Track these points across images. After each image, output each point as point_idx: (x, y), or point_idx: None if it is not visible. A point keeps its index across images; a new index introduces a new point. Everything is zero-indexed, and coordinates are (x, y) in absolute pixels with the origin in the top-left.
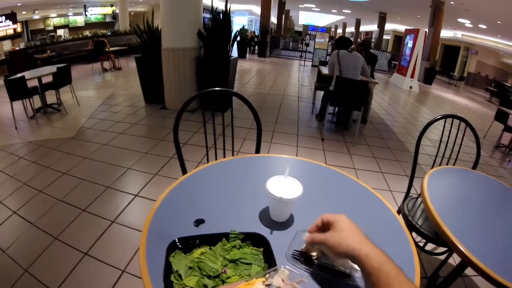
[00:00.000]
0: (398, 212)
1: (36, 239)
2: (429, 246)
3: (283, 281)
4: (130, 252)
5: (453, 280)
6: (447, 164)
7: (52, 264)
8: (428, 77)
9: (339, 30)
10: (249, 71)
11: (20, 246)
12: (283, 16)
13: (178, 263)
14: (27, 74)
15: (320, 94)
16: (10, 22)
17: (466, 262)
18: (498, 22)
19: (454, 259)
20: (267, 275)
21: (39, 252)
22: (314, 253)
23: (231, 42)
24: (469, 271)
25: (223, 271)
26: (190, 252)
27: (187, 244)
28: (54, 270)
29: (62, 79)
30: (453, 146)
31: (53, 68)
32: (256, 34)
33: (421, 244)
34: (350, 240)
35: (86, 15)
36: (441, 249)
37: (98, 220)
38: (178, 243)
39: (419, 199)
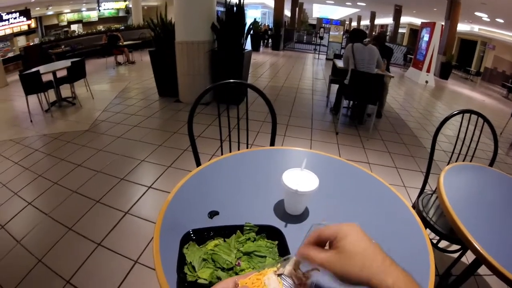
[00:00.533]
0: (413, 207)
1: (50, 229)
2: (442, 244)
3: (295, 270)
4: (143, 243)
5: (465, 279)
6: (463, 161)
7: (65, 254)
8: (444, 72)
9: (354, 23)
10: (263, 64)
11: (35, 236)
12: (297, 9)
13: (192, 255)
14: (42, 68)
15: (335, 87)
16: (24, 18)
17: (480, 260)
18: None
19: (467, 258)
20: (279, 265)
21: (53, 243)
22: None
23: (244, 35)
24: (482, 270)
25: (237, 264)
26: (204, 244)
27: (201, 236)
28: (68, 260)
29: (76, 73)
30: (470, 143)
31: (67, 63)
32: (270, 27)
33: (435, 241)
34: (361, 270)
35: (99, 10)
36: (454, 247)
37: (112, 211)
38: (192, 235)
39: (434, 196)
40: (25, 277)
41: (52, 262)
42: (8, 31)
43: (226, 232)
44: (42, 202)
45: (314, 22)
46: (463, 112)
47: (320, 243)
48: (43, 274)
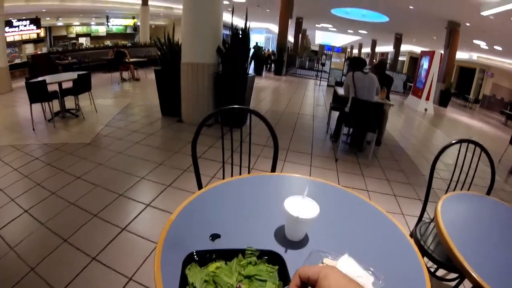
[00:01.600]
0: (410, 236)
1: (45, 239)
2: (440, 272)
3: None
4: (139, 261)
5: None
6: (461, 189)
7: (59, 265)
8: (443, 100)
9: (355, 50)
10: (265, 89)
11: (29, 244)
12: (300, 35)
13: (194, 276)
14: (48, 78)
15: (335, 114)
16: (34, 27)
17: None
18: None
19: (465, 286)
20: None
21: (47, 253)
22: None
23: (249, 60)
24: None
25: (238, 286)
26: (206, 266)
27: (203, 258)
28: (61, 271)
29: (82, 85)
30: (468, 171)
31: (74, 75)
32: (274, 52)
33: (432, 270)
34: (351, 283)
35: (108, 25)
36: (452, 276)
37: (109, 226)
38: (195, 256)
39: (432, 224)
40: (16, 284)
41: (45, 271)
42: (17, 38)
43: (228, 255)
44: (38, 211)
45: (317, 49)
46: (460, 141)
47: (302, 282)
48: (35, 283)
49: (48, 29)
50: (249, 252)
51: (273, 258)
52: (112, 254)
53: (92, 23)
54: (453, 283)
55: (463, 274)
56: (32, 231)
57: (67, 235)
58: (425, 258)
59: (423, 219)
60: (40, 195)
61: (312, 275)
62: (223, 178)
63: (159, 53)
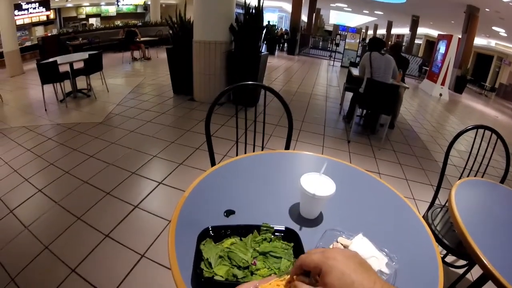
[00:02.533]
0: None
1: (59, 218)
2: (449, 259)
3: None
4: (151, 238)
5: None
6: (475, 176)
7: (72, 243)
8: (458, 86)
9: (370, 32)
10: (277, 68)
11: (43, 223)
12: (314, 14)
13: (209, 252)
14: (59, 59)
15: (349, 95)
16: (44, 9)
17: (487, 275)
18: None
19: (473, 274)
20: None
21: (61, 231)
22: None
23: (262, 39)
24: (487, 287)
25: (253, 263)
26: (221, 242)
27: (218, 233)
28: (74, 249)
29: (93, 65)
30: (482, 159)
31: (85, 55)
32: (287, 31)
33: (441, 255)
34: (357, 271)
35: (118, 5)
36: (461, 263)
37: (121, 204)
38: (210, 231)
39: (443, 210)
40: (31, 262)
41: (59, 249)
42: (27, 21)
43: (243, 231)
44: (52, 190)
45: (331, 29)
46: (477, 127)
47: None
48: (49, 261)
49: (58, 10)
50: (264, 228)
51: (288, 235)
52: (124, 232)
53: (102, 3)
54: (461, 270)
55: (473, 260)
56: (46, 210)
57: (80, 213)
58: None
59: (434, 204)
60: (53, 175)
61: (314, 268)
62: (237, 155)
63: (170, 31)
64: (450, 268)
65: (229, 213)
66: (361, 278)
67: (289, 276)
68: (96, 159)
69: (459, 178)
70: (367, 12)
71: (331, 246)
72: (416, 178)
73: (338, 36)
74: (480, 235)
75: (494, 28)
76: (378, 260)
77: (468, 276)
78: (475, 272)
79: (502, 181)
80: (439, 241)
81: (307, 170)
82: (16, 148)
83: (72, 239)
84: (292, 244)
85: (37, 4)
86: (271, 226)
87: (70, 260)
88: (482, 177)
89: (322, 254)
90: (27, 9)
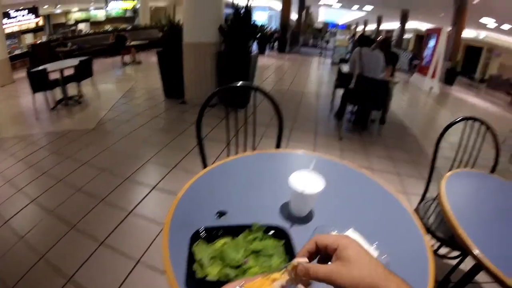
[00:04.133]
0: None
1: (53, 227)
2: (442, 250)
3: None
4: (146, 243)
5: (464, 285)
6: (465, 167)
7: (68, 251)
8: (449, 78)
9: (360, 28)
10: (268, 67)
11: (38, 233)
12: (303, 12)
13: (201, 252)
14: (49, 66)
15: (339, 92)
16: (33, 16)
17: (480, 266)
18: None
19: (466, 265)
20: (284, 270)
21: (56, 240)
22: None
23: (251, 39)
24: (481, 277)
25: (245, 262)
26: (213, 242)
27: (210, 234)
28: (70, 257)
29: (83, 72)
30: (472, 150)
31: (75, 61)
32: (277, 29)
33: (434, 248)
34: (369, 275)
35: (106, 10)
36: (454, 254)
37: (116, 210)
38: (203, 232)
39: (435, 203)
40: (27, 272)
41: (55, 259)
42: (16, 29)
43: (235, 231)
44: (46, 199)
45: (320, 26)
46: (466, 119)
47: (315, 254)
48: (45, 271)
49: (47, 17)
50: (255, 227)
51: (279, 233)
52: (119, 238)
53: (91, 8)
54: (455, 261)
55: (466, 251)
56: (41, 220)
57: (75, 221)
58: (428, 236)
59: (426, 197)
60: (47, 184)
61: (330, 244)
62: (228, 157)
63: (160, 35)
64: (444, 260)
65: (221, 214)
66: (375, 259)
67: (275, 273)
68: (89, 166)
69: (450, 170)
70: (357, 8)
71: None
72: (408, 172)
73: (328, 33)
74: (471, 226)
75: (483, 19)
76: None
77: (462, 266)
78: (469, 262)
79: (492, 171)
80: (431, 233)
81: (297, 168)
82: (8, 158)
83: (67, 248)
84: (283, 241)
85: (26, 11)
86: (262, 225)
87: (67, 269)
88: (472, 167)
89: (338, 235)
90: (16, 17)
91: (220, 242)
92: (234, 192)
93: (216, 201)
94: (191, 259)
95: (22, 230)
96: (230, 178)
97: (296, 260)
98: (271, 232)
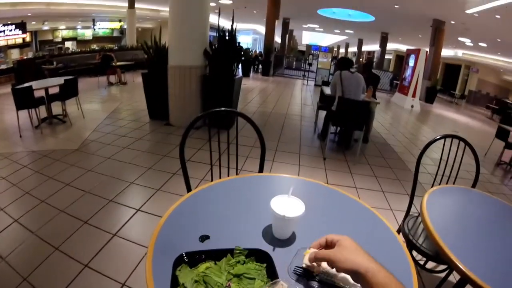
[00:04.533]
0: (398, 231)
1: (36, 248)
2: (430, 265)
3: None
4: (131, 266)
5: None
6: (447, 183)
7: (51, 274)
8: (429, 96)
9: (342, 50)
10: (252, 90)
11: (20, 254)
12: (287, 35)
13: (184, 277)
14: (34, 84)
15: (323, 113)
16: (20, 31)
17: (466, 280)
18: (498, 40)
19: (455, 277)
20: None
21: (39, 262)
22: (314, 269)
23: (236, 62)
24: None
25: (228, 285)
26: (196, 267)
27: (193, 259)
28: (54, 280)
29: (69, 91)
30: (453, 165)
31: (60, 80)
32: (261, 53)
33: (422, 262)
34: (356, 256)
35: (94, 29)
36: (442, 267)
37: (100, 232)
38: (185, 257)
39: (419, 218)
40: None
41: (38, 281)
42: (3, 43)
43: (217, 255)
44: (28, 220)
45: (304, 49)
46: (445, 137)
47: (324, 247)
48: None
49: (34, 33)
50: (238, 251)
51: (261, 257)
52: (104, 261)
53: (78, 26)
54: (443, 274)
55: (451, 266)
56: (23, 241)
57: (58, 243)
58: (414, 252)
59: (410, 213)
60: (29, 204)
61: (336, 239)
62: (212, 180)
63: (146, 56)
64: (432, 274)
65: (204, 238)
66: (363, 250)
67: None
68: (73, 187)
69: (432, 185)
70: (338, 31)
71: (304, 263)
72: (392, 189)
73: (311, 56)
74: (455, 240)
75: (460, 38)
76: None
77: (451, 278)
78: (457, 274)
79: (473, 185)
80: (417, 249)
81: (280, 191)
82: None
83: (50, 270)
84: (265, 265)
85: (13, 26)
86: (244, 248)
87: None
88: (454, 182)
89: (336, 235)
90: (3, 31)
91: (203, 267)
92: (217, 216)
93: (199, 225)
94: (175, 283)
95: (4, 251)
96: (213, 202)
97: (309, 250)
98: (253, 256)
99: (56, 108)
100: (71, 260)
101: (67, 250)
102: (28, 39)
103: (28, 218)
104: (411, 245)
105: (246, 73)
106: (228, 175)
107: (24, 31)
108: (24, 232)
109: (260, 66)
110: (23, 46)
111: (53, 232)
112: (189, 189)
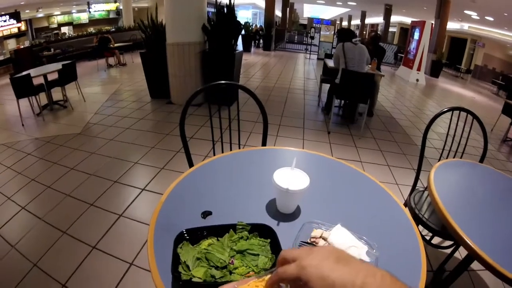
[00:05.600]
0: (405, 205)
1: (44, 233)
2: (436, 240)
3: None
4: (138, 245)
5: (459, 274)
6: (454, 158)
7: (61, 258)
8: (434, 70)
9: (345, 23)
10: (254, 65)
11: (29, 241)
12: (288, 9)
13: (186, 254)
14: (32, 71)
15: (326, 87)
16: (14, 21)
17: (472, 255)
18: (505, 14)
19: (460, 253)
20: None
21: (48, 247)
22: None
23: (235, 37)
24: (475, 265)
25: (231, 262)
26: (198, 244)
27: (194, 236)
28: (63, 264)
29: (67, 76)
30: (460, 139)
31: (58, 65)
32: (262, 27)
33: (428, 238)
34: (335, 270)
35: (89, 12)
36: (448, 243)
37: (106, 214)
38: (185, 235)
39: (426, 192)
40: (21, 281)
41: (48, 266)
42: None
43: (219, 231)
44: (35, 206)
45: (305, 22)
46: (452, 109)
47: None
48: (39, 278)
49: (29, 21)
50: (240, 227)
51: (264, 232)
52: (111, 242)
53: (74, 11)
54: (449, 250)
55: (457, 241)
56: (31, 227)
57: (66, 227)
58: (420, 227)
59: (417, 187)
60: (36, 190)
61: (294, 281)
62: (214, 155)
63: (143, 36)
64: (438, 249)
65: (206, 214)
66: (341, 275)
67: (268, 276)
68: (77, 171)
69: (439, 160)
70: (341, 3)
71: (308, 240)
72: (398, 163)
73: (313, 29)
74: (462, 215)
75: (466, 11)
76: (358, 249)
77: (457, 254)
78: (463, 250)
79: (481, 160)
80: (423, 224)
81: (283, 165)
82: None
83: (60, 254)
84: (268, 240)
85: (7, 16)
86: (247, 223)
87: (60, 276)
88: (461, 157)
89: (297, 264)
90: None
91: (205, 243)
92: (220, 191)
93: (201, 201)
94: (176, 261)
95: (14, 239)
96: (215, 177)
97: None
98: (256, 231)
99: (57, 94)
100: (79, 243)
101: (74, 234)
102: (23, 28)
103: (35, 204)
104: (417, 220)
105: (247, 48)
106: (231, 151)
107: (18, 20)
108: (32, 219)
109: (261, 40)
110: (19, 35)
111: (60, 217)
112: (191, 165)
